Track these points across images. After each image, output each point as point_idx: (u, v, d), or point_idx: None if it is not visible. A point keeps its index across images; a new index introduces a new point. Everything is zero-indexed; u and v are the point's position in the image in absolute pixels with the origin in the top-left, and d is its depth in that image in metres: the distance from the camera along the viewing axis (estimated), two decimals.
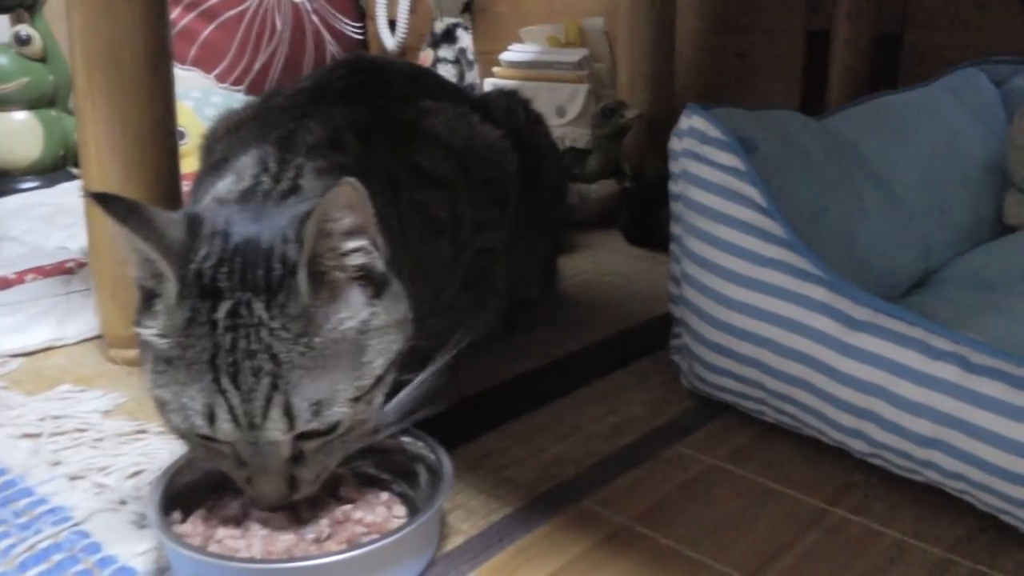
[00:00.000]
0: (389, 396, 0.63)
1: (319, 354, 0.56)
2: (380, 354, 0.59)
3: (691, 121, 0.84)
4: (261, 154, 0.69)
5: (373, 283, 0.60)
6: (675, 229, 0.87)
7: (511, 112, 1.05)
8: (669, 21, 1.64)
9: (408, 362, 0.63)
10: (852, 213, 0.92)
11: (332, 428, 0.57)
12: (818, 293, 0.73)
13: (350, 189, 0.55)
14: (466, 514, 0.71)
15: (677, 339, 0.90)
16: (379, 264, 0.60)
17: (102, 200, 0.55)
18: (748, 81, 1.68)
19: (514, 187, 0.92)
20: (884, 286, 0.93)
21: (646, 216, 1.44)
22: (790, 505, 0.71)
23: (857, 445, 0.72)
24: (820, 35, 1.55)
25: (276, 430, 0.55)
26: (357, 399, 0.58)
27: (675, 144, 0.86)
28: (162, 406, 0.57)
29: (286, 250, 0.57)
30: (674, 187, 0.86)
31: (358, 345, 0.58)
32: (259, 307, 0.55)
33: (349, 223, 0.57)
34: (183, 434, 0.58)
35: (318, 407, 0.55)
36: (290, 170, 0.67)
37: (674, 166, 0.86)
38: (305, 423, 0.55)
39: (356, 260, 0.58)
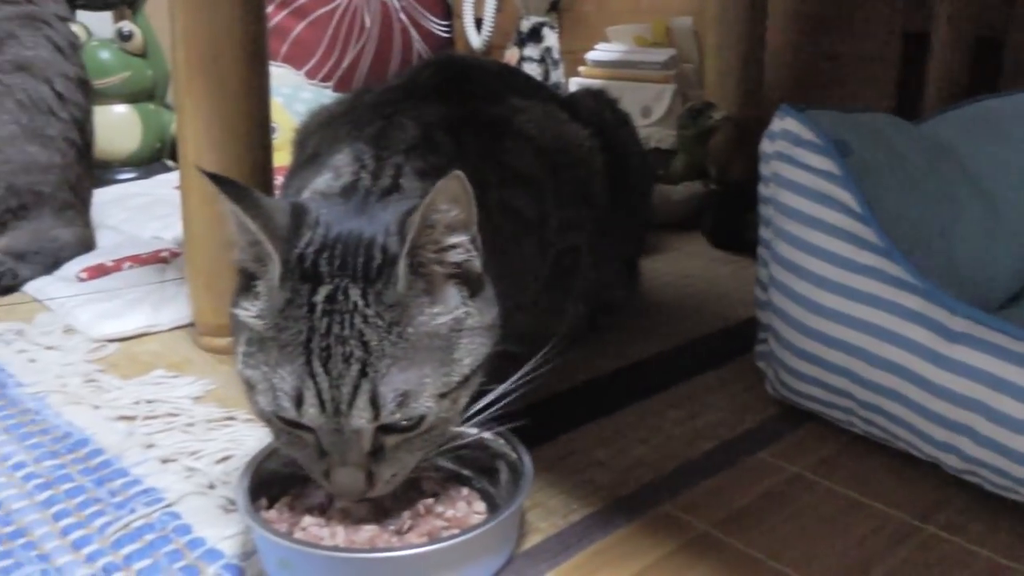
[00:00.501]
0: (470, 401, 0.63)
1: (409, 345, 0.56)
2: (469, 354, 0.60)
3: (784, 123, 0.82)
4: (356, 152, 0.70)
5: (468, 284, 0.61)
6: (764, 233, 0.85)
7: (598, 112, 1.04)
8: (760, 21, 1.61)
9: (491, 369, 0.64)
10: (950, 221, 0.89)
11: (415, 424, 0.58)
12: (913, 302, 0.71)
13: (458, 183, 0.56)
14: (545, 513, 0.70)
15: (762, 345, 0.89)
16: (477, 265, 0.61)
17: (217, 180, 0.57)
18: (840, 83, 1.64)
19: (600, 187, 0.91)
20: (980, 297, 0.90)
21: (731, 219, 1.42)
22: (879, 519, 0.70)
23: (950, 460, 0.70)
24: (918, 36, 1.51)
25: (361, 418, 0.56)
26: (443, 395, 0.58)
27: (766, 146, 0.84)
28: (250, 387, 0.59)
29: (388, 242, 0.58)
30: (764, 190, 0.85)
31: (449, 342, 0.58)
32: (355, 293, 0.56)
33: (453, 217, 0.57)
34: (267, 417, 0.59)
35: (404, 398, 0.56)
36: (389, 168, 0.68)
37: (765, 168, 0.84)
38: (390, 413, 0.56)
39: (455, 257, 0.59)
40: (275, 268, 0.57)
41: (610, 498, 0.73)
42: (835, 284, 0.75)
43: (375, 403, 0.55)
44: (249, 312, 0.58)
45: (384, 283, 0.57)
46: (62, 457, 0.78)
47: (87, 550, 0.65)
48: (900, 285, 0.72)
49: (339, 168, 0.69)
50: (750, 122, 1.60)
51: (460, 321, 0.59)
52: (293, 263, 0.57)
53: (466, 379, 0.60)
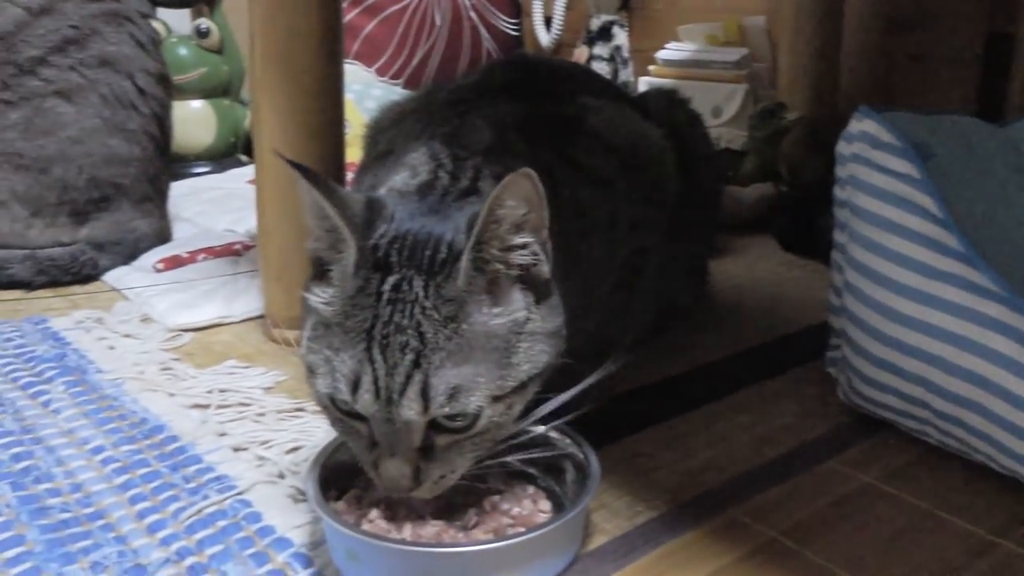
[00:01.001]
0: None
1: (464, 342, 0.56)
2: (528, 360, 0.59)
3: (862, 125, 0.80)
4: (431, 151, 0.71)
5: (535, 289, 0.60)
6: (839, 237, 0.84)
7: (670, 112, 1.04)
8: (836, 20, 1.58)
9: (555, 379, 0.63)
10: None
11: (467, 426, 0.58)
12: (995, 311, 0.69)
13: (527, 180, 0.56)
14: (610, 514, 0.70)
15: (835, 351, 0.87)
16: (544, 271, 0.60)
17: (300, 169, 0.58)
18: (920, 85, 1.60)
19: (672, 188, 0.90)
20: None
21: (802, 222, 1.40)
22: (953, 533, 0.68)
23: None
24: (1002, 37, 1.46)
25: (411, 409, 0.56)
26: (497, 399, 0.58)
27: (843, 148, 0.82)
28: (311, 371, 0.60)
29: (456, 238, 0.58)
30: (840, 193, 0.83)
31: (508, 344, 0.58)
32: (418, 284, 0.57)
33: (520, 215, 0.57)
34: (325, 403, 0.60)
35: (455, 392, 0.56)
36: (468, 170, 0.68)
37: (841, 171, 0.83)
38: (439, 407, 0.56)
39: (521, 259, 0.59)
40: (350, 255, 0.58)
41: (676, 501, 0.72)
42: (913, 290, 0.73)
43: (425, 394, 0.56)
44: (320, 298, 0.59)
45: (445, 277, 0.57)
46: (139, 442, 0.80)
47: (161, 534, 0.67)
48: (981, 292, 0.70)
49: (415, 167, 0.69)
50: (824, 123, 1.57)
51: (521, 324, 0.59)
52: (367, 251, 0.58)
53: (523, 385, 0.59)
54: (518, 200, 0.56)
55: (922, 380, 0.73)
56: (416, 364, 0.56)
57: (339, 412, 0.59)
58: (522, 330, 0.59)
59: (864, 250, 0.77)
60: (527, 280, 0.60)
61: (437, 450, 0.59)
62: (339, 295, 0.58)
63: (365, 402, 0.57)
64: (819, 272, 1.29)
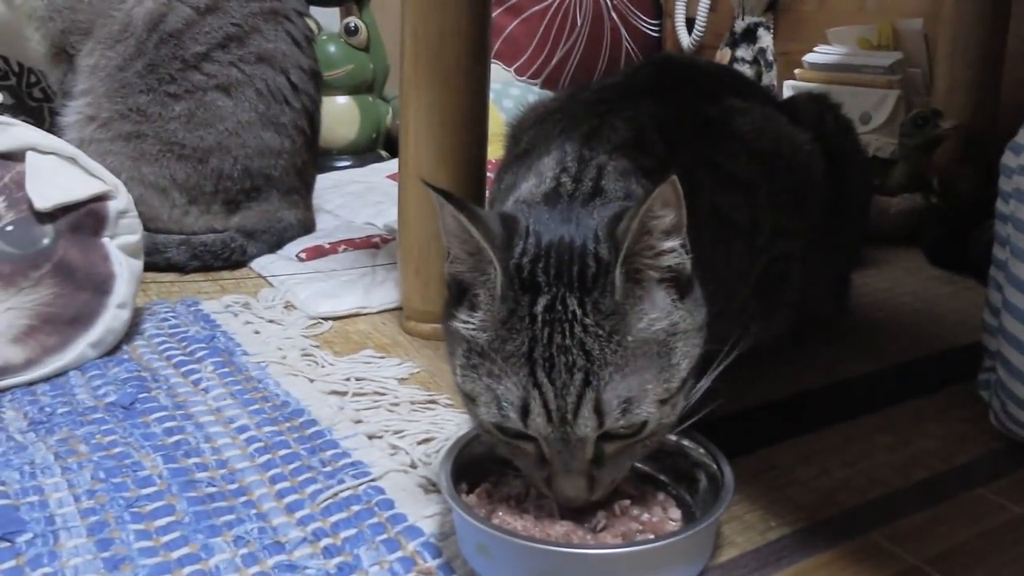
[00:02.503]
0: None
1: (630, 353, 0.56)
2: (685, 356, 0.59)
3: None
4: (560, 155, 0.71)
5: (679, 285, 0.60)
6: (999, 253, 0.79)
7: (819, 117, 1.00)
8: (1001, 24, 1.49)
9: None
10: None
11: (638, 430, 0.58)
12: None
13: (671, 189, 0.55)
14: (742, 527, 0.69)
15: (988, 373, 0.83)
16: (688, 266, 0.60)
17: (444, 195, 0.57)
18: None
19: (818, 195, 0.88)
20: None
21: (954, 236, 1.33)
22: None
23: None
24: None
25: (587, 426, 0.56)
26: (664, 401, 0.58)
27: (1010, 160, 0.78)
28: (471, 400, 0.60)
29: (599, 249, 0.58)
30: (1003, 207, 0.78)
31: (667, 347, 0.58)
32: (573, 303, 0.56)
33: (668, 222, 0.57)
34: (490, 429, 0.60)
35: (628, 405, 0.56)
36: (591, 170, 0.68)
37: (1006, 184, 0.78)
38: (614, 420, 0.56)
39: (669, 261, 0.58)
40: (497, 278, 0.57)
41: (811, 519, 0.70)
42: None
43: (599, 411, 0.56)
44: (469, 325, 0.59)
45: (601, 292, 0.56)
46: (280, 424, 0.84)
47: (299, 514, 0.70)
48: None
49: (543, 173, 0.69)
50: (982, 133, 1.49)
51: (675, 325, 0.59)
52: (512, 273, 0.58)
53: (684, 383, 0.59)
54: (665, 208, 0.56)
55: None
56: (587, 382, 0.55)
57: (505, 436, 0.60)
58: (676, 330, 0.59)
59: None
60: (672, 279, 0.59)
61: (607, 457, 0.59)
62: (489, 320, 0.58)
63: (538, 425, 0.57)
64: (971, 289, 1.22)
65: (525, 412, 0.56)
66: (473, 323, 0.59)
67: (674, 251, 0.58)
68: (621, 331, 0.56)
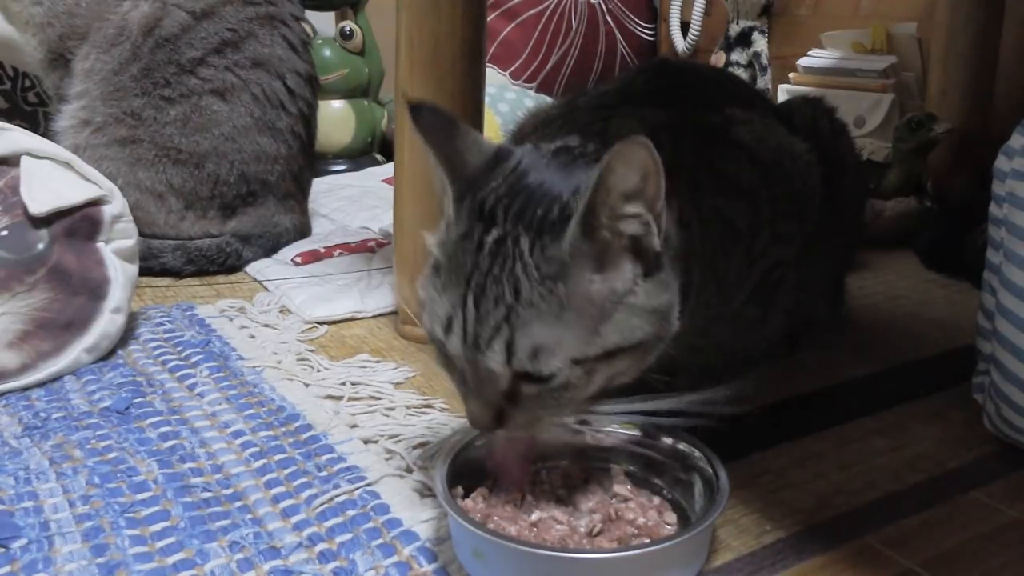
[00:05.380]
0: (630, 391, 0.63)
1: (559, 303, 0.57)
2: (619, 331, 0.59)
3: None
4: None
5: (644, 261, 0.60)
6: (992, 257, 0.79)
7: (815, 121, 1.00)
8: (994, 27, 1.50)
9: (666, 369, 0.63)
10: None
11: (548, 378, 0.58)
12: None
13: (639, 148, 0.54)
14: (737, 531, 0.69)
15: (982, 376, 0.83)
16: (654, 243, 0.59)
17: (414, 110, 0.60)
18: None
19: (815, 202, 0.88)
20: None
21: (948, 239, 1.34)
22: None
23: None
24: None
25: (494, 359, 0.57)
26: (578, 362, 0.58)
27: (1003, 163, 0.78)
28: (422, 306, 0.63)
29: (570, 200, 0.59)
30: (997, 211, 0.79)
31: (603, 311, 0.58)
32: (525, 242, 0.58)
33: (632, 185, 0.56)
34: (429, 337, 0.63)
35: (537, 351, 0.57)
36: (599, 139, 0.68)
37: (999, 187, 0.78)
38: (520, 362, 0.57)
39: (630, 228, 0.58)
40: (448, 201, 0.61)
41: (806, 523, 0.70)
42: None
43: (510, 348, 0.57)
44: (432, 240, 0.63)
45: (552, 237, 0.57)
46: (275, 429, 0.84)
47: (295, 519, 0.70)
48: None
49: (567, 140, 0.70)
50: (976, 137, 1.49)
51: (620, 295, 0.59)
52: (474, 202, 0.60)
53: (608, 354, 0.59)
54: (630, 169, 0.55)
55: None
56: (507, 318, 0.57)
57: (439, 350, 0.62)
58: (620, 300, 0.59)
59: (1021, 271, 0.73)
60: (636, 251, 0.59)
61: (522, 398, 0.60)
62: (446, 239, 0.61)
63: (453, 344, 0.59)
64: (965, 292, 1.23)
65: (447, 329, 0.59)
66: (436, 239, 0.62)
67: (637, 218, 0.57)
68: (558, 279, 0.57)
